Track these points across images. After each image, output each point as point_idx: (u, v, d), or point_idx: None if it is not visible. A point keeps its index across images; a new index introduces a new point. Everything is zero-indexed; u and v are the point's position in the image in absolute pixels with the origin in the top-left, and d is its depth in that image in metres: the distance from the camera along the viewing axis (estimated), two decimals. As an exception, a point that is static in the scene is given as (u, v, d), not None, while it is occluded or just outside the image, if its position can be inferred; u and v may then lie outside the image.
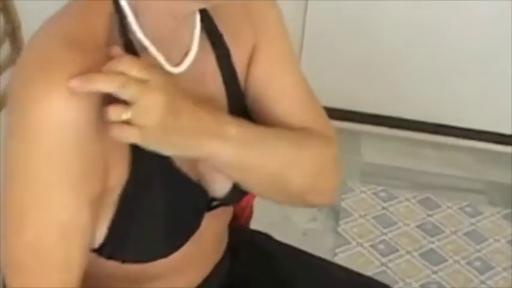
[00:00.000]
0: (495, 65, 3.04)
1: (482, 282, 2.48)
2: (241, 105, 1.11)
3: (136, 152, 0.96)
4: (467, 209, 2.84)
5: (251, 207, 1.47)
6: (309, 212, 2.72)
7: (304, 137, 1.10)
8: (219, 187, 1.09)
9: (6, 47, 2.11)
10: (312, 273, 1.34)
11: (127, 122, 0.89)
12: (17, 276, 0.98)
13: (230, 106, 1.09)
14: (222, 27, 1.09)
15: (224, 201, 1.12)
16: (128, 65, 0.89)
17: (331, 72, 3.08)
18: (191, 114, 0.94)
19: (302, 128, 1.11)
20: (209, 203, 1.11)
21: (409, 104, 3.18)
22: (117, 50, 0.92)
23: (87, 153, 0.92)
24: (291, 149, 1.07)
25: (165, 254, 1.07)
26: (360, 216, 2.74)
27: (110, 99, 0.89)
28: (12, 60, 2.03)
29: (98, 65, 0.89)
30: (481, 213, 2.82)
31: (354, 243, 2.60)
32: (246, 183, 1.07)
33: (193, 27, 1.04)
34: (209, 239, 1.17)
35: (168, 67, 1.01)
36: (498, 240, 2.69)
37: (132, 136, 0.90)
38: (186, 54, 1.03)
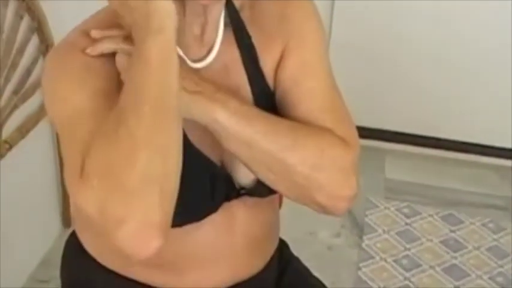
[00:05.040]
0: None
1: (505, 297, 2.50)
2: (268, 103, 1.15)
3: None
4: (490, 225, 2.86)
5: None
6: (334, 227, 2.76)
7: (314, 130, 1.10)
8: (243, 175, 1.15)
9: (40, 65, 2.18)
10: None
11: None
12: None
13: (256, 103, 1.14)
14: (253, 27, 1.15)
15: (251, 191, 1.17)
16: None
17: (355, 92, 3.11)
18: (193, 78, 1.04)
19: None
20: (236, 191, 1.17)
21: (433, 122, 3.22)
22: None
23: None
24: (294, 134, 1.08)
25: (178, 223, 1.10)
26: (384, 231, 2.78)
27: None
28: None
29: None
30: (503, 229, 2.84)
31: (377, 258, 2.63)
32: (246, 160, 1.09)
33: (218, 27, 1.12)
34: (243, 233, 1.21)
35: (189, 62, 1.10)
36: (521, 256, 2.71)
37: None
38: (209, 51, 1.12)
